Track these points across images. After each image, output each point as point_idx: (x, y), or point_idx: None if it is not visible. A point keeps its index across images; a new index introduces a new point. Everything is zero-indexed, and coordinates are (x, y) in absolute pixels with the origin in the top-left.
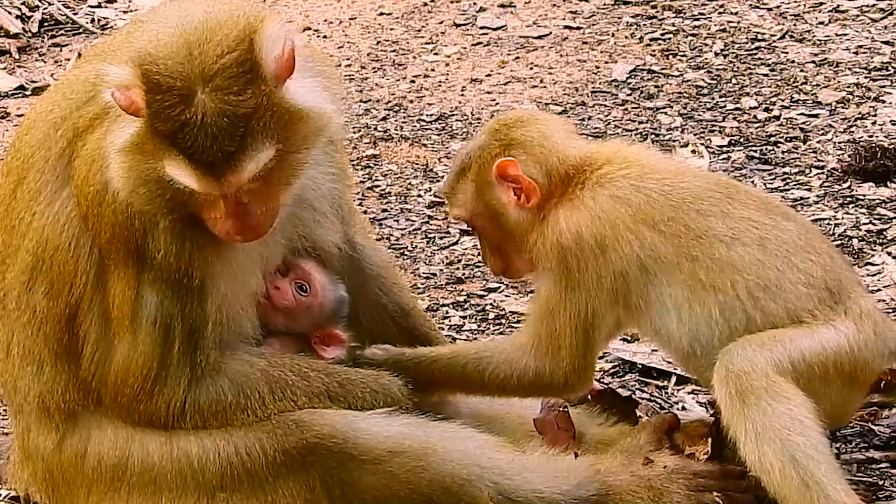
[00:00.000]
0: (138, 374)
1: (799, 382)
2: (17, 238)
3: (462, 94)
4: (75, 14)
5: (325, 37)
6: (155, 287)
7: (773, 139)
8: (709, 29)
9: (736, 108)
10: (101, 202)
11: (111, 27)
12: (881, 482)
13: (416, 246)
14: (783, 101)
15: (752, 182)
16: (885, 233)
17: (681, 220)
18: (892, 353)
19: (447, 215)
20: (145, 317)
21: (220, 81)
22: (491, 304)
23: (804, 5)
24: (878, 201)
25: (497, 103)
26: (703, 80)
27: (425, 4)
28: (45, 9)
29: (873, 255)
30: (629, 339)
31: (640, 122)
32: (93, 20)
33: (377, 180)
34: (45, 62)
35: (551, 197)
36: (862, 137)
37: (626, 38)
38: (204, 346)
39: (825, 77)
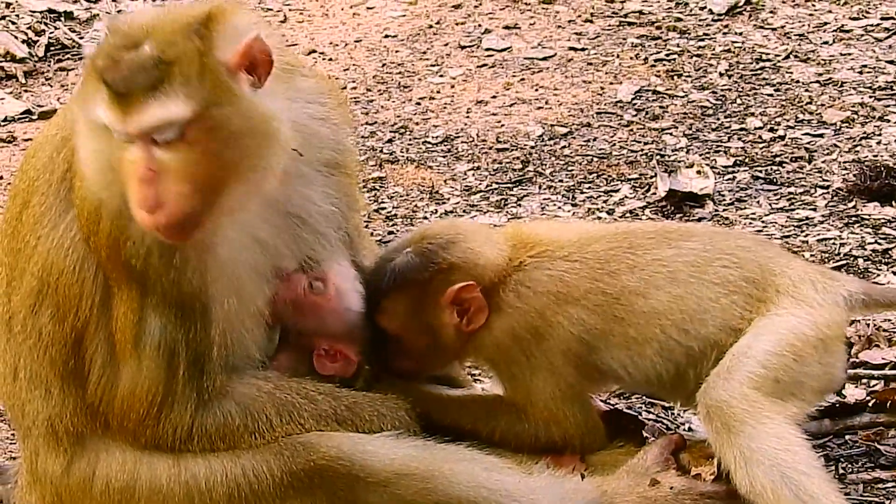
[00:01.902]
0: (144, 399)
1: (779, 382)
2: (22, 261)
3: (468, 116)
4: (81, 38)
5: (330, 59)
6: (158, 311)
7: (778, 159)
8: (713, 49)
9: (741, 129)
10: (98, 219)
11: None
12: (887, 502)
13: None
14: (788, 121)
15: (758, 202)
16: (890, 252)
17: (598, 290)
18: (847, 296)
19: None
20: (149, 342)
21: (162, 35)
22: None
23: (808, 25)
24: (883, 221)
25: (502, 125)
26: (708, 100)
27: (430, 27)
28: (51, 33)
29: (879, 275)
30: None
31: (646, 143)
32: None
33: (383, 202)
34: (51, 86)
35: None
36: (867, 157)
37: (631, 58)
38: (210, 371)
39: (830, 97)
